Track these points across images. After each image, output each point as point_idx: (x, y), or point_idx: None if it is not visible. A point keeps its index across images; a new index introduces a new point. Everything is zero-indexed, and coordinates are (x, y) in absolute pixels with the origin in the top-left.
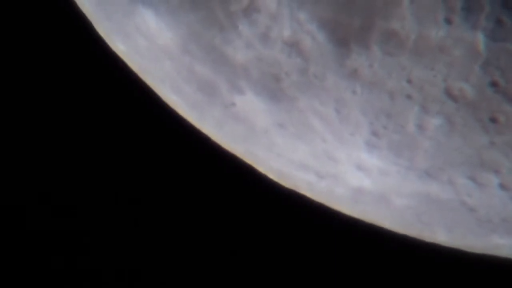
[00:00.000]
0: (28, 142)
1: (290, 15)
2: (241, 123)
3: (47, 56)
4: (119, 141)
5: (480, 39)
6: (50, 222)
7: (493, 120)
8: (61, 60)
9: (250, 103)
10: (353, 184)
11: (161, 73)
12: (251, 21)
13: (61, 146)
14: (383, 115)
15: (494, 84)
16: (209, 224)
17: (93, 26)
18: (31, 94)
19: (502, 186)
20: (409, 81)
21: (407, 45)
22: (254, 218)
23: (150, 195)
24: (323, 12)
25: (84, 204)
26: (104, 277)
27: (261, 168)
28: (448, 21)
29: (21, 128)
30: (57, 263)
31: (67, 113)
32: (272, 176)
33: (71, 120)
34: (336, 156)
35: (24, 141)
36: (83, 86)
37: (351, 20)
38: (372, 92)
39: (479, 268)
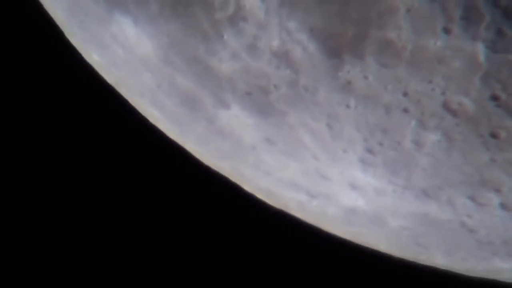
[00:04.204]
0: None
1: (279, 24)
2: (227, 139)
3: (16, 68)
4: (95, 159)
5: (480, 50)
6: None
7: (494, 136)
8: (31, 73)
9: (236, 118)
10: (346, 204)
11: (139, 85)
12: (237, 30)
13: (31, 163)
14: (378, 130)
15: (495, 98)
16: (191, 248)
17: (65, 36)
18: None
19: (503, 206)
20: (405, 94)
21: (403, 56)
22: (241, 241)
23: (126, 214)
24: (314, 21)
25: (61, 222)
26: None
27: (248, 187)
28: (447, 31)
29: None
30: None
31: (38, 130)
32: (260, 195)
33: (42, 138)
34: (328, 174)
35: None
36: (55, 100)
37: (344, 29)
38: (367, 106)
39: None
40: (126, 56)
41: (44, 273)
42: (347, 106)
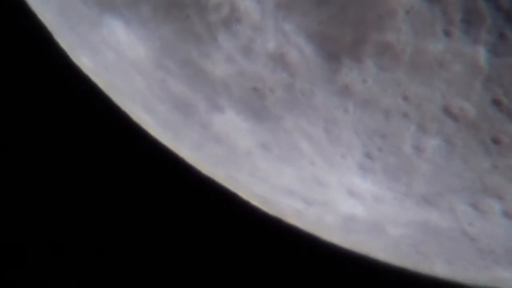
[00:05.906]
0: None
1: (275, 26)
2: (221, 144)
3: (3, 72)
4: (85, 167)
5: (481, 54)
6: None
7: (496, 141)
8: (19, 78)
9: (231, 123)
10: (344, 212)
11: (131, 90)
12: (232, 32)
13: (20, 169)
14: (378, 135)
15: (496, 103)
16: (186, 256)
17: (54, 39)
18: None
19: (506, 214)
20: (405, 98)
21: (403, 59)
22: (237, 248)
23: (119, 222)
24: (311, 23)
25: (51, 230)
26: None
27: (244, 194)
28: (447, 34)
29: None
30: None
31: (26, 136)
32: (255, 203)
33: (30, 143)
34: (326, 181)
35: None
36: (45, 105)
37: (342, 32)
38: (365, 110)
39: None
40: (117, 60)
41: (44, 273)
42: (345, 110)
